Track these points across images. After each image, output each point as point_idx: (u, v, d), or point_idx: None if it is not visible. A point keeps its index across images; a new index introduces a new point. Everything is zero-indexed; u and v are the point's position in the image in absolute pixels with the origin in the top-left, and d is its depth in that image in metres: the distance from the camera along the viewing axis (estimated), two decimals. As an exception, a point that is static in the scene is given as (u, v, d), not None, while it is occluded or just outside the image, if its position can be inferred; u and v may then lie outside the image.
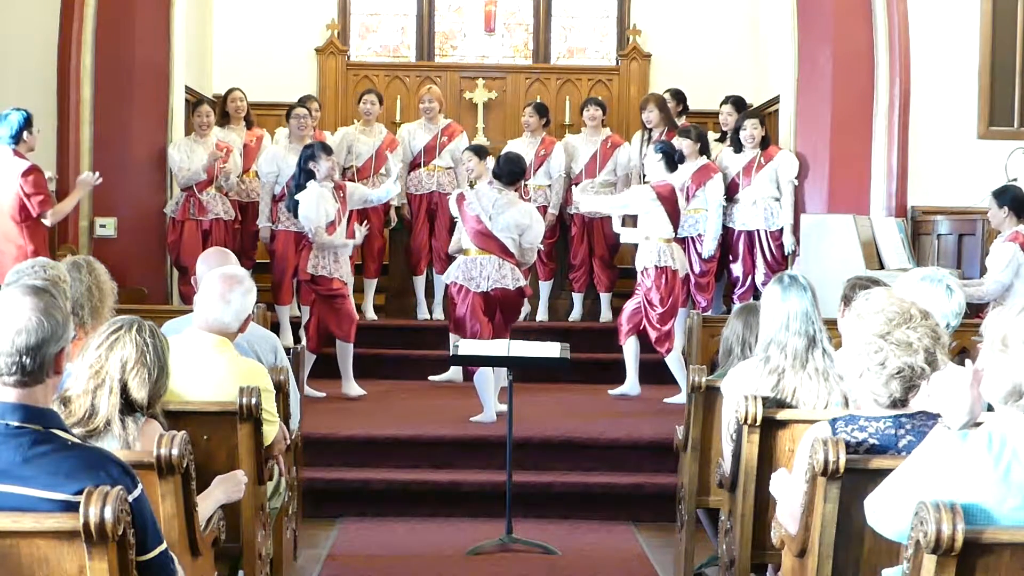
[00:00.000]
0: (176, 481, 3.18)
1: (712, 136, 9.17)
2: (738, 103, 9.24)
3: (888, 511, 2.78)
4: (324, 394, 7.63)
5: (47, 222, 7.02)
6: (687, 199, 8.45)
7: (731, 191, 8.63)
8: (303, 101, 9.08)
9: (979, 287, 6.80)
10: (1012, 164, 8.09)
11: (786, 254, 8.62)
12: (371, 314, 9.20)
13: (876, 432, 3.18)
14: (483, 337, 6.97)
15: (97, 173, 7.59)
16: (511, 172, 7.29)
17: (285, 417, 4.61)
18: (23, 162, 6.93)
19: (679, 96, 9.58)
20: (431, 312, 9.28)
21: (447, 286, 7.51)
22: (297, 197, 7.54)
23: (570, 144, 9.39)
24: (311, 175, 7.50)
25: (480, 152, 7.79)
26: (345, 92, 11.38)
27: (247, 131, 9.31)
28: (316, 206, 7.43)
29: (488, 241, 7.18)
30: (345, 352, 7.68)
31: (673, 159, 7.75)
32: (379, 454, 6.66)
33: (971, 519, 2.55)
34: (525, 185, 8.87)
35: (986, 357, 2.67)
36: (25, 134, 6.98)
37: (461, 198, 7.33)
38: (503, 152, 7.84)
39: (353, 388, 7.72)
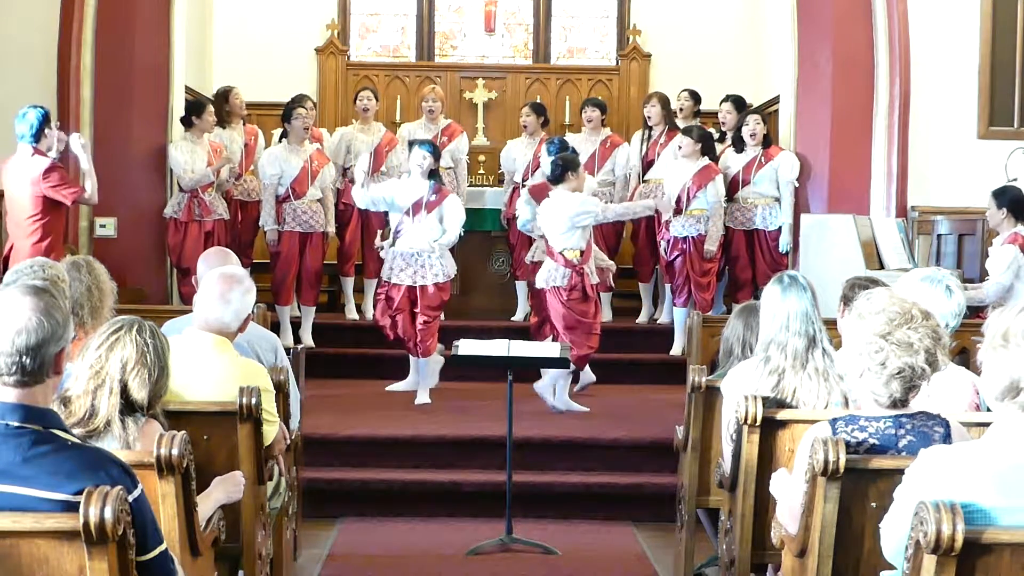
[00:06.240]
0: (176, 481, 3.18)
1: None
2: (738, 102, 9.22)
3: (885, 532, 2.80)
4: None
5: (90, 198, 7.03)
6: (688, 199, 8.45)
7: (731, 190, 8.63)
8: (299, 100, 9.04)
9: (979, 290, 6.80)
10: (1012, 164, 8.10)
11: (783, 253, 8.62)
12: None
13: (876, 432, 3.19)
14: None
15: (81, 136, 7.41)
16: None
17: (285, 417, 4.61)
18: (43, 160, 6.89)
19: (695, 97, 9.48)
20: None
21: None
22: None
23: (568, 144, 9.34)
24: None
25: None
26: (345, 92, 11.37)
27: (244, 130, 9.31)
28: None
29: None
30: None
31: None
32: (379, 454, 6.66)
33: (971, 519, 2.55)
34: (524, 185, 8.85)
35: (985, 354, 2.68)
36: (46, 131, 6.94)
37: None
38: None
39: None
